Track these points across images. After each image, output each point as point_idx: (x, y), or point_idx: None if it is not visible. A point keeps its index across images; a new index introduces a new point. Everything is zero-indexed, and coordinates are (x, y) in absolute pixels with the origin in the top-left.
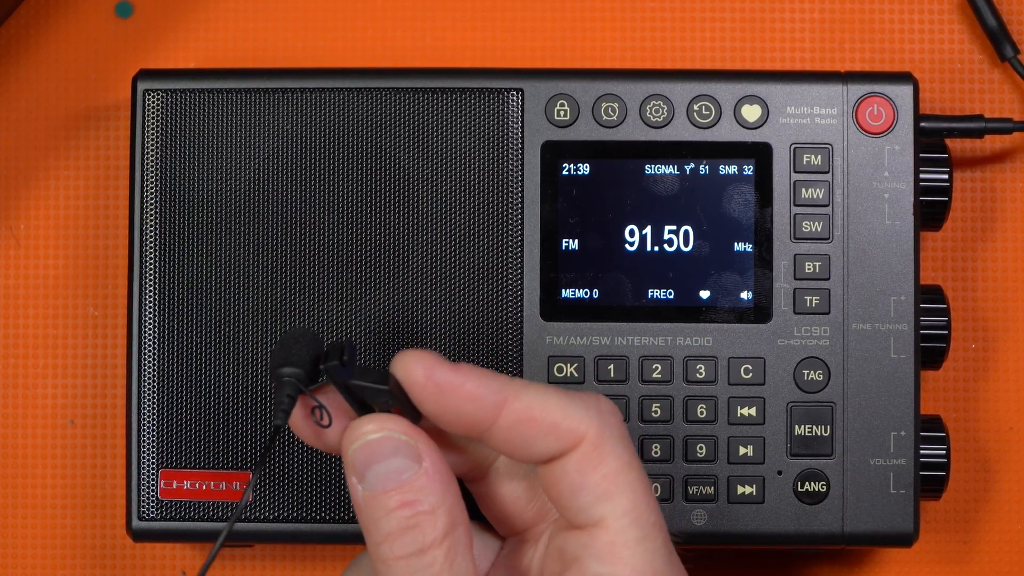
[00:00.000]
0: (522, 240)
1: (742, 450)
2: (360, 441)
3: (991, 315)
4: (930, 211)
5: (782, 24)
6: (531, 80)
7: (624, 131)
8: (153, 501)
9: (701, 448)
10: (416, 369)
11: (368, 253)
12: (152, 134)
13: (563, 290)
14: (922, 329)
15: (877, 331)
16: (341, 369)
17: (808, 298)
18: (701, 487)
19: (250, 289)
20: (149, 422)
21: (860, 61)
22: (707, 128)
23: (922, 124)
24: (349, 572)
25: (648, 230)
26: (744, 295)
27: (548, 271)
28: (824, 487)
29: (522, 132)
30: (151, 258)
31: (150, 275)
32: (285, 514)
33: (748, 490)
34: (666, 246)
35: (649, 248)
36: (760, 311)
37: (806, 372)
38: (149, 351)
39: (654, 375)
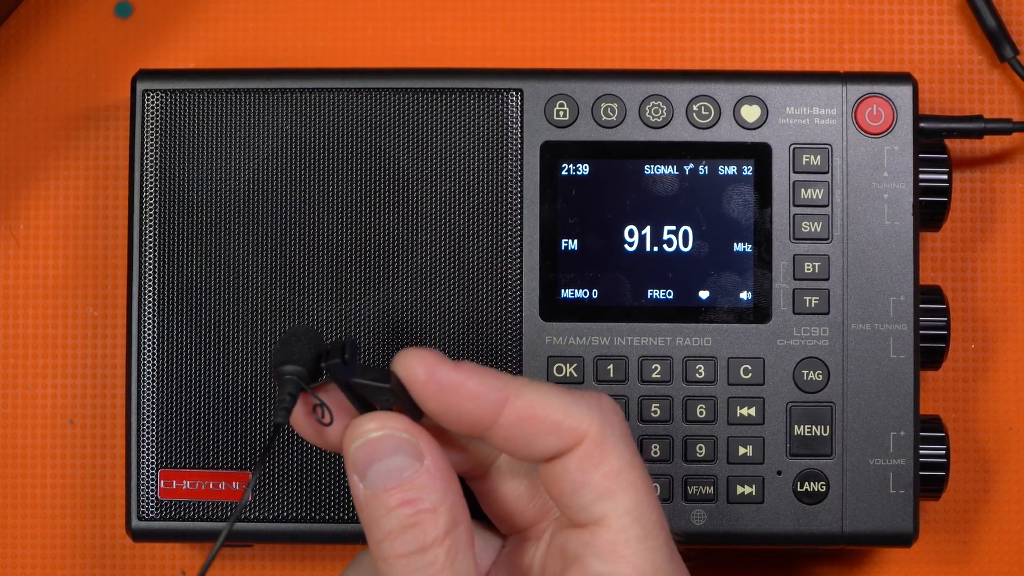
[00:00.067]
0: (521, 240)
1: (742, 450)
2: (362, 439)
3: (991, 315)
4: (929, 211)
5: (782, 24)
6: (531, 80)
7: (623, 131)
8: (153, 501)
9: (701, 448)
10: (418, 367)
11: (367, 253)
12: (152, 134)
13: (562, 290)
14: (921, 329)
15: (877, 331)
16: (343, 367)
17: (807, 298)
18: (701, 487)
19: (250, 289)
20: (149, 422)
21: (860, 61)
22: (706, 128)
23: (922, 124)
24: (350, 571)
25: (647, 230)
26: (743, 295)
27: (547, 271)
28: (824, 487)
29: (521, 132)
30: (151, 258)
31: (150, 275)
32: (285, 514)
33: (748, 490)
34: (665, 246)
35: (648, 248)
36: (759, 311)
37: (805, 372)
38: (149, 351)
39: (653, 375)
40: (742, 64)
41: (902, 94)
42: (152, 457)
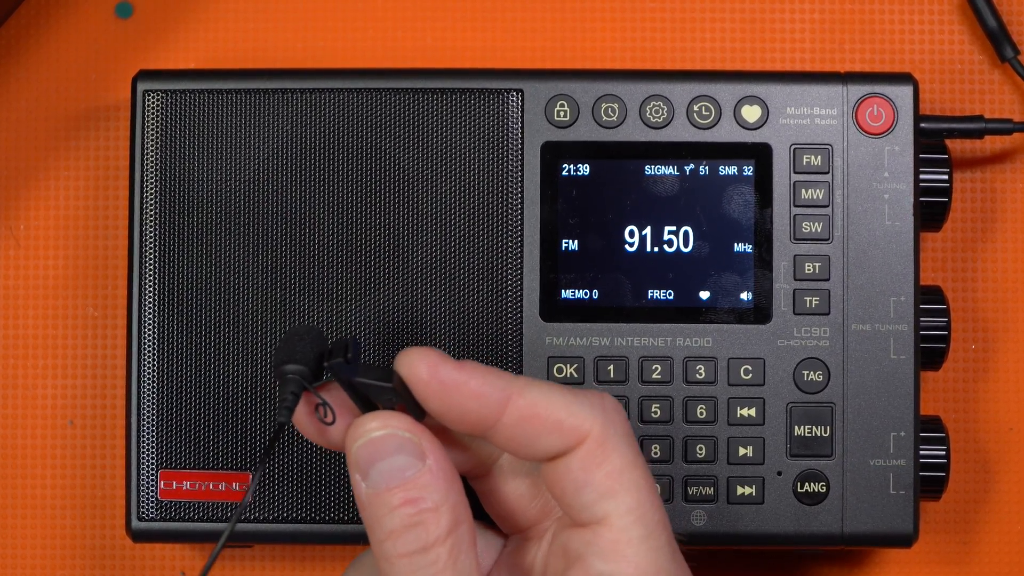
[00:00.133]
0: (522, 240)
1: (742, 451)
2: (364, 438)
3: (991, 316)
4: (930, 212)
5: (782, 24)
6: (531, 80)
7: (624, 132)
8: (153, 501)
9: (701, 449)
10: (420, 366)
11: (368, 254)
12: (152, 134)
13: (563, 291)
14: (922, 330)
15: (877, 332)
16: (345, 366)
17: (808, 299)
18: (701, 488)
19: (250, 289)
20: (149, 422)
21: (860, 61)
22: (707, 129)
23: (922, 125)
24: (351, 570)
25: (648, 231)
26: (744, 296)
27: (548, 272)
28: (824, 488)
29: (522, 132)
30: (151, 258)
31: (150, 275)
32: (285, 514)
33: (748, 491)
34: (666, 247)
35: (649, 249)
36: (760, 312)
37: (806, 373)
38: (149, 351)
39: (654, 376)
40: (742, 64)
41: (903, 94)
42: (152, 457)
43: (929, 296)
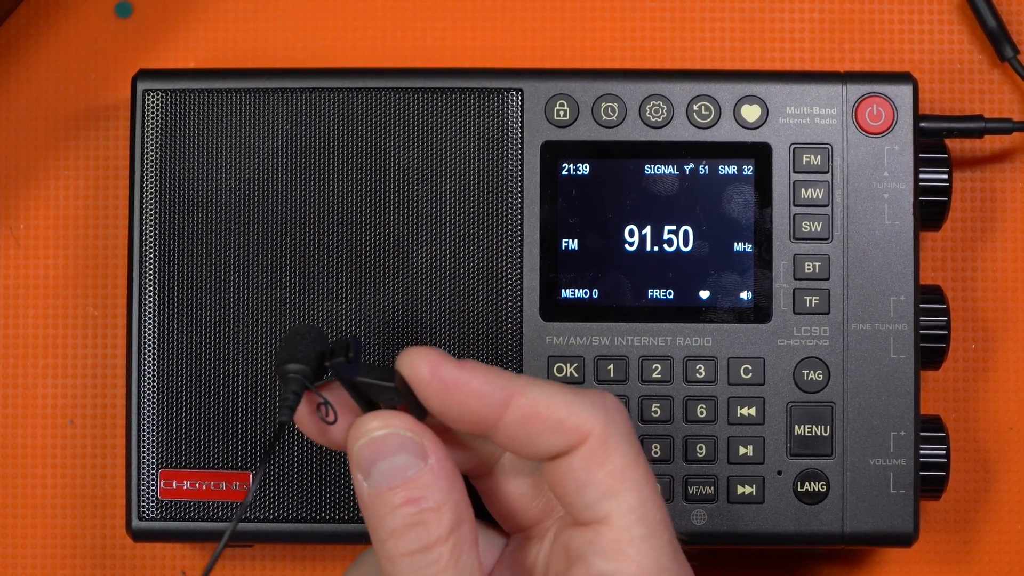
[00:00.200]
0: (522, 240)
1: (742, 450)
2: (365, 438)
3: (991, 315)
4: (930, 211)
5: (782, 24)
6: (531, 80)
7: (624, 131)
8: (153, 501)
9: (701, 448)
10: (422, 366)
11: (368, 253)
12: (152, 134)
13: (563, 290)
14: (922, 329)
15: (877, 331)
16: (347, 366)
17: (808, 298)
18: (701, 487)
19: (250, 289)
20: (149, 422)
21: (860, 61)
22: (707, 128)
23: (922, 124)
24: (353, 570)
25: (648, 230)
26: (744, 295)
27: (548, 271)
28: (824, 487)
29: (522, 132)
30: (151, 258)
31: (150, 275)
32: (285, 514)
33: (748, 490)
34: (666, 246)
35: (649, 248)
36: (760, 311)
37: (806, 372)
38: (149, 351)
39: (654, 375)
40: (742, 64)
41: (902, 94)
42: (152, 457)
43: (929, 296)
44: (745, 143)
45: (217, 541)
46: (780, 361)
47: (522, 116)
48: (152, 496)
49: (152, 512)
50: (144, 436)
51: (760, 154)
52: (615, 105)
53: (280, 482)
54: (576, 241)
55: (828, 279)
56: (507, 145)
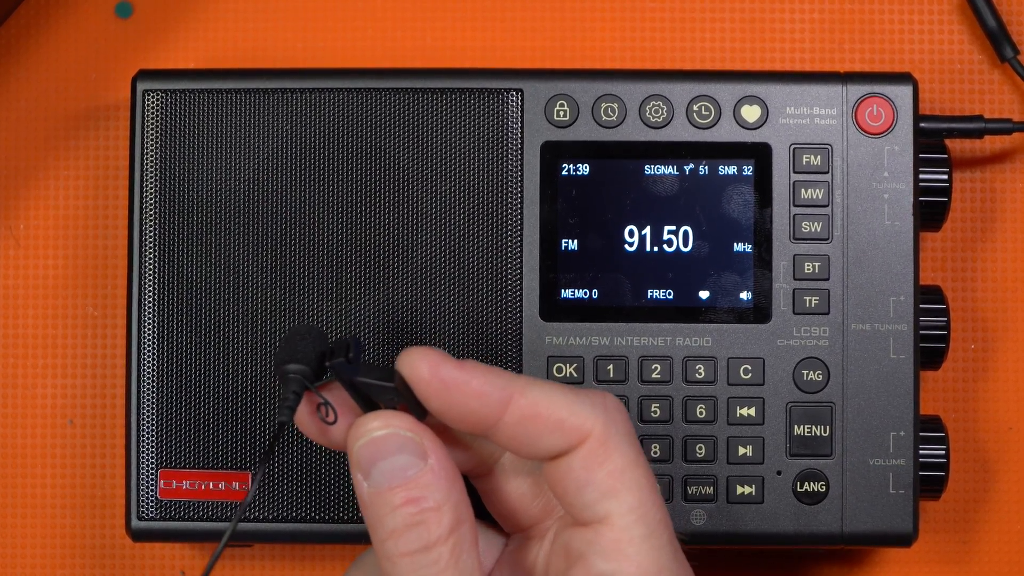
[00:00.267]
0: (522, 240)
1: (741, 450)
2: (366, 438)
3: (991, 315)
4: (930, 211)
5: (782, 24)
6: (531, 80)
7: (624, 131)
8: (153, 501)
9: (700, 448)
10: (422, 366)
11: (368, 253)
12: (152, 134)
13: (562, 290)
14: (921, 329)
15: (876, 331)
16: (347, 366)
17: (807, 298)
18: (700, 487)
19: (250, 289)
20: (149, 422)
21: (860, 61)
22: (707, 128)
23: (922, 124)
24: (353, 570)
25: (647, 230)
26: (743, 295)
27: (547, 271)
28: (823, 487)
29: (522, 132)
30: (151, 258)
31: (150, 275)
32: (285, 514)
33: (747, 490)
34: (665, 246)
35: (648, 248)
36: (759, 311)
37: (805, 372)
38: (149, 351)
39: (653, 375)
40: (742, 64)
41: (902, 94)
42: (152, 457)
43: (929, 296)
44: (745, 143)
45: (217, 541)
46: (780, 361)
47: (522, 116)
48: (152, 496)
49: (152, 512)
50: (144, 436)
51: (760, 154)
52: (615, 105)
53: (280, 482)
54: (576, 241)
55: (828, 279)
56: (507, 145)
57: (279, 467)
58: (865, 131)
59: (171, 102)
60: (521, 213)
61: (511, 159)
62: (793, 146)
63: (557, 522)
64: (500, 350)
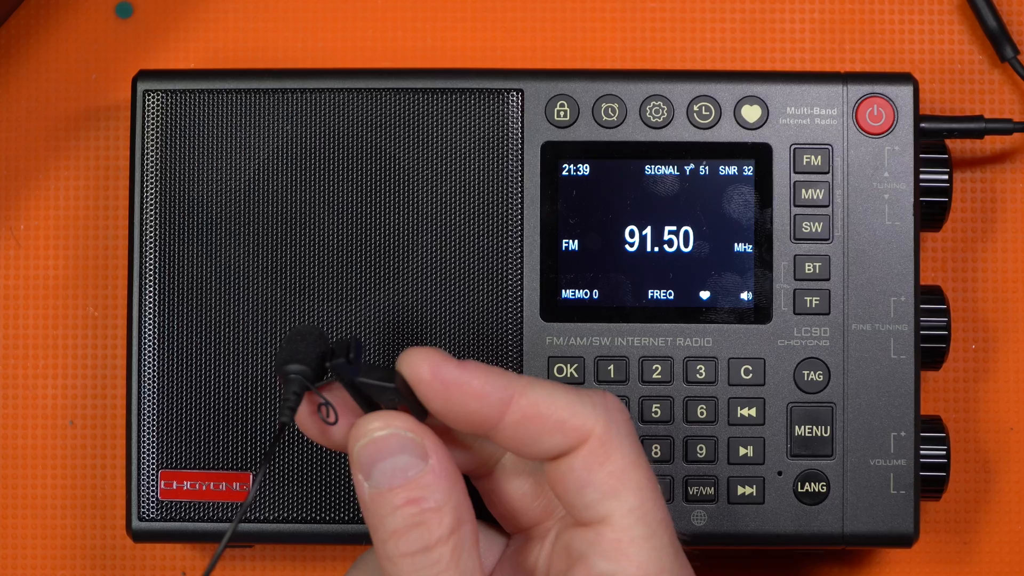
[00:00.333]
0: (522, 240)
1: (742, 451)
2: (366, 438)
3: (991, 315)
4: (930, 211)
5: (782, 24)
6: (531, 80)
7: (624, 131)
8: (153, 501)
9: (701, 448)
10: (422, 366)
11: (368, 254)
12: (152, 134)
13: (563, 291)
14: (922, 330)
15: (877, 332)
16: (348, 367)
17: (808, 299)
18: (701, 487)
19: (250, 289)
20: (149, 422)
21: (860, 61)
22: (707, 129)
23: (922, 125)
24: (354, 570)
25: (648, 231)
26: (744, 296)
27: (548, 272)
28: (824, 488)
29: (522, 132)
30: (151, 258)
31: (150, 275)
32: (285, 514)
33: (748, 490)
34: (666, 247)
35: (649, 249)
36: (760, 312)
37: (806, 373)
38: (149, 351)
39: (654, 376)
40: (742, 64)
41: (903, 94)
42: (152, 457)
43: (929, 296)
44: (745, 143)
45: (217, 542)
46: (780, 362)
47: (522, 116)
48: (152, 497)
49: (152, 512)
50: (144, 436)
51: (760, 154)
52: (615, 105)
53: (280, 483)
54: (576, 241)
55: (828, 279)
56: (507, 145)
57: (280, 468)
58: (865, 131)
59: (171, 102)
60: (521, 213)
61: (511, 159)
62: (793, 146)
63: (558, 522)
64: (500, 350)
